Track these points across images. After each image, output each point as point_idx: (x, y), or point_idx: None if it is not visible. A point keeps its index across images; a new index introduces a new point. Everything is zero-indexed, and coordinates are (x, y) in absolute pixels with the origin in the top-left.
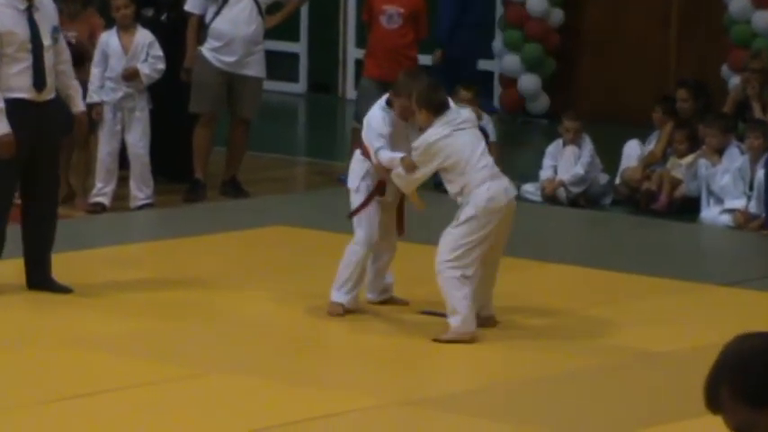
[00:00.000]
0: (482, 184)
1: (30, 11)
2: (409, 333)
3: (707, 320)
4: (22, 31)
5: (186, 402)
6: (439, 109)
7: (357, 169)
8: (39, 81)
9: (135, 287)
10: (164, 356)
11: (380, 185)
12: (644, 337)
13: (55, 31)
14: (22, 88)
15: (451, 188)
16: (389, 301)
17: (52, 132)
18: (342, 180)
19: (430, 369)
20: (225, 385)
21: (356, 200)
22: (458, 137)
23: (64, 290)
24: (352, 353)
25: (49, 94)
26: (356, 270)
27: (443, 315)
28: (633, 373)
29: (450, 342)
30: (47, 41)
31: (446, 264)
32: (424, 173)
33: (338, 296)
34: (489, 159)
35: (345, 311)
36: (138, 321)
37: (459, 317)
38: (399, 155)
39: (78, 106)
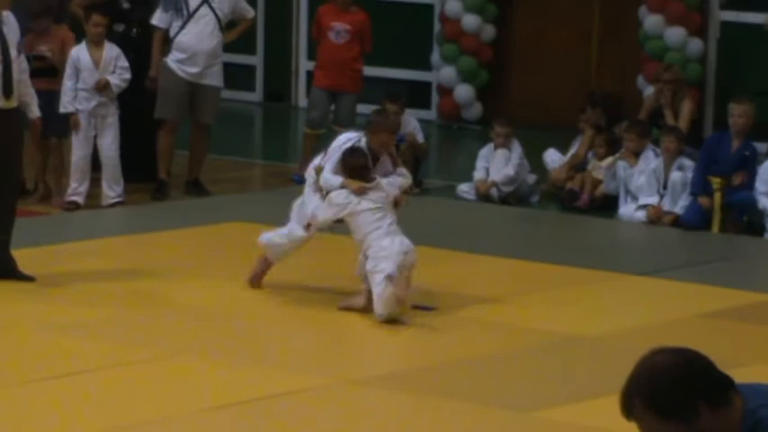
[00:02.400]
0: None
1: None
2: (353, 315)
3: (625, 307)
4: None
5: (148, 383)
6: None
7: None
8: (7, 89)
9: (107, 277)
10: (130, 341)
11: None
12: (567, 322)
13: (20, 44)
14: None
15: None
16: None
17: (18, 134)
18: (295, 180)
19: (372, 349)
20: (184, 367)
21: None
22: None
23: (27, 278)
24: (300, 335)
25: (15, 102)
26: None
27: (430, 309)
28: (558, 354)
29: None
30: (13, 53)
31: None
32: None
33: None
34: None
35: None
36: (108, 308)
37: None
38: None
39: (34, 112)
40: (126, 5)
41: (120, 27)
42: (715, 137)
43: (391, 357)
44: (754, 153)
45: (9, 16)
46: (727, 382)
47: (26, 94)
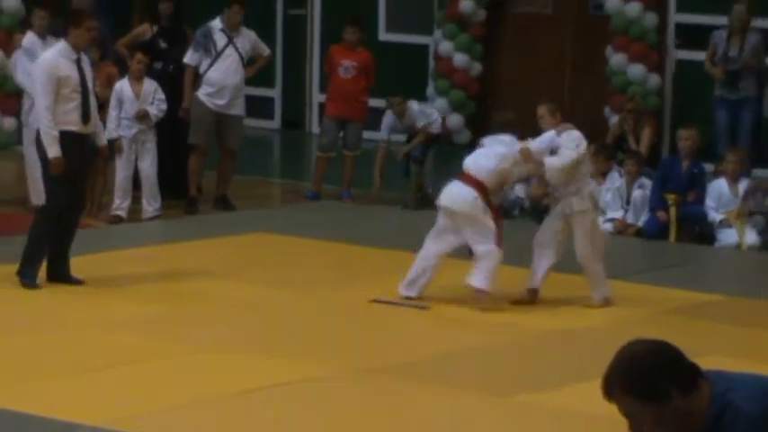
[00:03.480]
0: None
1: (78, 61)
2: (364, 313)
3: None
4: (75, 76)
5: (192, 372)
6: None
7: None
8: (86, 116)
9: (148, 280)
10: (174, 335)
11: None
12: (549, 320)
13: (93, 78)
14: (72, 122)
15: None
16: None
17: (91, 158)
18: (308, 196)
19: (379, 341)
20: (208, 359)
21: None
22: None
23: (78, 282)
24: (317, 328)
25: (91, 128)
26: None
27: (393, 303)
28: (540, 346)
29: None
30: (90, 85)
31: None
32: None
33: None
34: None
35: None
36: (151, 306)
37: None
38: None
39: (102, 140)
40: (164, 46)
41: (158, 64)
42: (668, 159)
43: (395, 349)
44: (702, 171)
45: (83, 54)
46: (696, 370)
47: (96, 124)
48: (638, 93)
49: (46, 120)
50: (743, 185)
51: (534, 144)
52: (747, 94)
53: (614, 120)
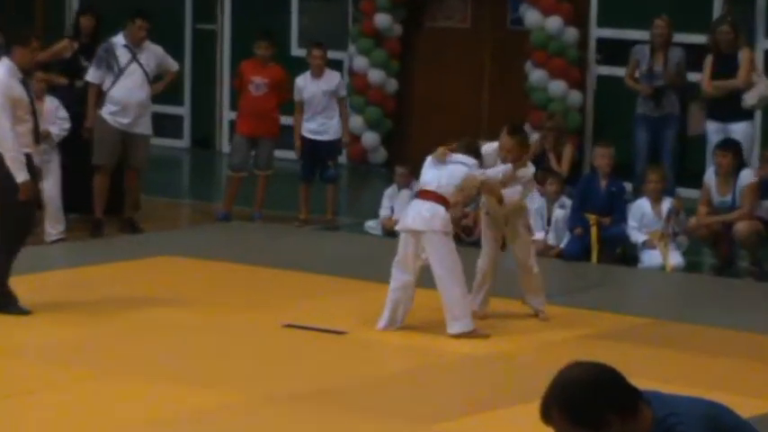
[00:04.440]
0: None
1: (24, 81)
2: (278, 339)
3: (518, 328)
4: (25, 97)
5: (89, 401)
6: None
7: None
8: (36, 138)
9: (49, 306)
10: (74, 362)
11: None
12: (470, 344)
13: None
14: (28, 144)
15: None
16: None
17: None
18: (219, 218)
19: (293, 367)
20: (116, 386)
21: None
22: None
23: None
24: (228, 353)
25: (40, 151)
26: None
27: (308, 328)
28: (461, 371)
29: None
30: (36, 106)
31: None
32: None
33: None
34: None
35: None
36: (54, 332)
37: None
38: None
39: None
40: (85, 64)
41: (80, 83)
42: (586, 177)
43: (309, 375)
44: (621, 190)
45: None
46: (636, 393)
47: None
48: (559, 110)
49: (12, 143)
50: (666, 205)
51: (489, 174)
52: (670, 111)
53: (534, 138)
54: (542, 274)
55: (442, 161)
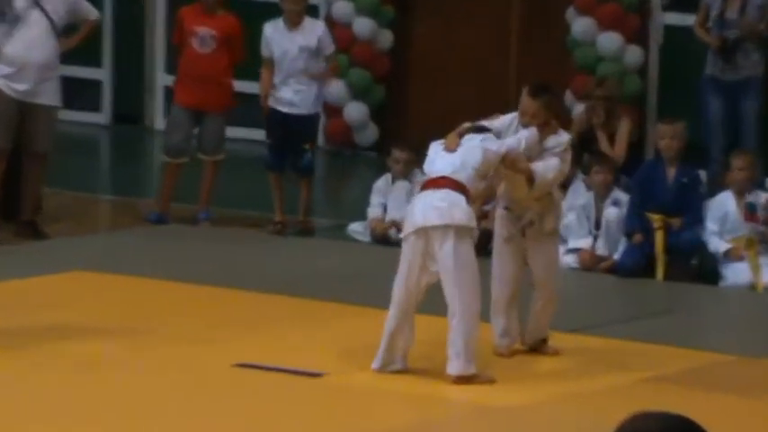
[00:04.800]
0: None
1: None
2: (226, 382)
3: (554, 370)
4: None
5: None
6: None
7: None
8: None
9: None
10: None
11: None
12: (487, 390)
13: None
14: None
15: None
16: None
17: None
18: (151, 219)
19: (245, 421)
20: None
21: None
22: None
23: None
24: (155, 402)
25: None
26: None
27: (266, 368)
28: (478, 426)
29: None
30: None
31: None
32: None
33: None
34: None
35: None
36: None
37: None
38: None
39: None
40: None
41: None
42: (648, 165)
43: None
44: (696, 180)
45: None
46: None
47: None
48: (613, 72)
49: None
50: (758, 201)
51: (509, 144)
52: (751, 73)
53: (578, 110)
54: (589, 292)
55: (451, 151)
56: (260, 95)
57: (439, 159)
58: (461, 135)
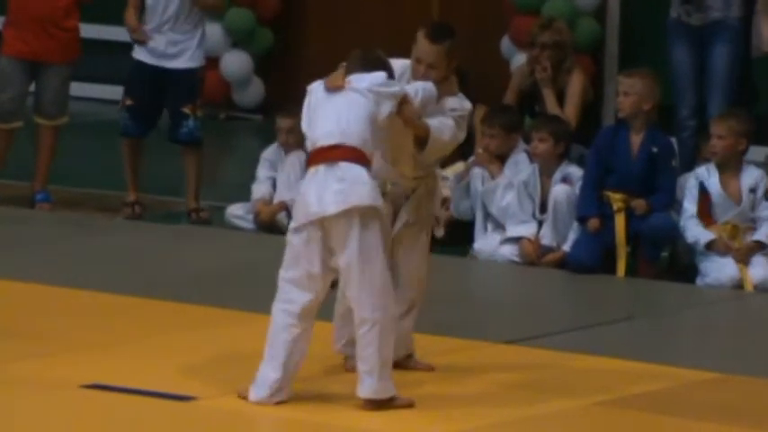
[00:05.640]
0: None
1: None
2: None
3: (488, 390)
4: None
5: None
6: None
7: None
8: None
9: None
10: None
11: None
12: (401, 419)
13: None
14: None
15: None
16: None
17: None
18: None
19: None
20: None
21: None
22: None
23: None
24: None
25: None
26: None
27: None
28: None
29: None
30: None
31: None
32: None
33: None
34: None
35: None
36: None
37: None
38: None
39: None
40: None
41: None
42: (608, 131)
43: None
44: (668, 150)
45: None
46: None
47: None
48: (561, 14)
49: None
50: (748, 179)
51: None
52: (720, 16)
53: (519, 61)
54: (531, 293)
55: (338, 89)
56: (128, 29)
57: (321, 115)
58: (349, 72)
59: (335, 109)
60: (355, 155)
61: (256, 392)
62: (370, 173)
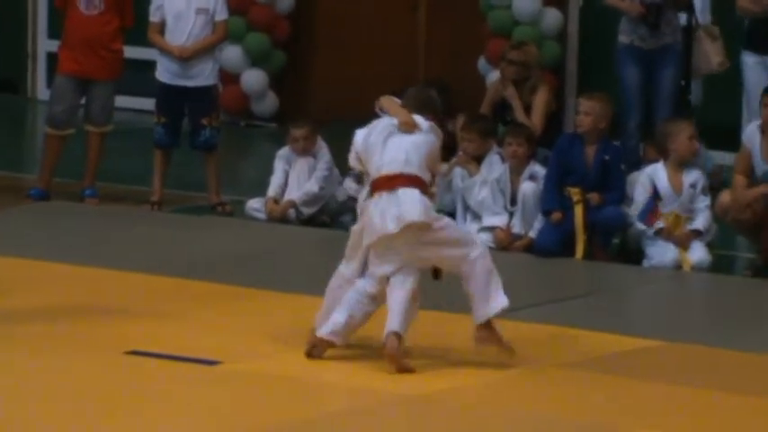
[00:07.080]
0: None
1: None
2: (119, 371)
3: (460, 356)
4: None
5: None
6: None
7: None
8: None
9: None
10: None
11: None
12: (389, 379)
13: None
14: None
15: None
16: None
17: None
18: (32, 195)
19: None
20: None
21: None
22: None
23: None
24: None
25: None
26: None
27: (161, 357)
28: (378, 416)
29: None
30: None
31: None
32: None
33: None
34: None
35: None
36: None
37: None
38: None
39: None
40: None
41: None
42: (566, 138)
43: (160, 425)
44: (617, 156)
45: None
46: None
47: None
48: (530, 37)
49: None
50: (690, 176)
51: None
52: (669, 41)
53: (493, 77)
54: (503, 273)
55: (408, 132)
56: (163, 49)
57: (384, 145)
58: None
59: (399, 141)
60: (414, 182)
61: (323, 329)
62: (422, 192)
